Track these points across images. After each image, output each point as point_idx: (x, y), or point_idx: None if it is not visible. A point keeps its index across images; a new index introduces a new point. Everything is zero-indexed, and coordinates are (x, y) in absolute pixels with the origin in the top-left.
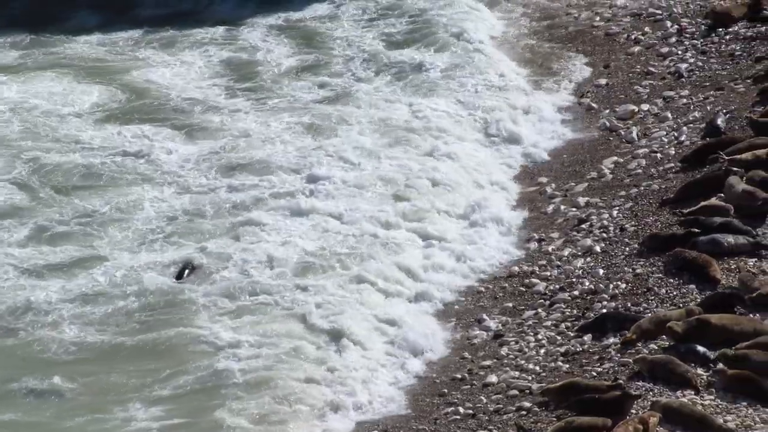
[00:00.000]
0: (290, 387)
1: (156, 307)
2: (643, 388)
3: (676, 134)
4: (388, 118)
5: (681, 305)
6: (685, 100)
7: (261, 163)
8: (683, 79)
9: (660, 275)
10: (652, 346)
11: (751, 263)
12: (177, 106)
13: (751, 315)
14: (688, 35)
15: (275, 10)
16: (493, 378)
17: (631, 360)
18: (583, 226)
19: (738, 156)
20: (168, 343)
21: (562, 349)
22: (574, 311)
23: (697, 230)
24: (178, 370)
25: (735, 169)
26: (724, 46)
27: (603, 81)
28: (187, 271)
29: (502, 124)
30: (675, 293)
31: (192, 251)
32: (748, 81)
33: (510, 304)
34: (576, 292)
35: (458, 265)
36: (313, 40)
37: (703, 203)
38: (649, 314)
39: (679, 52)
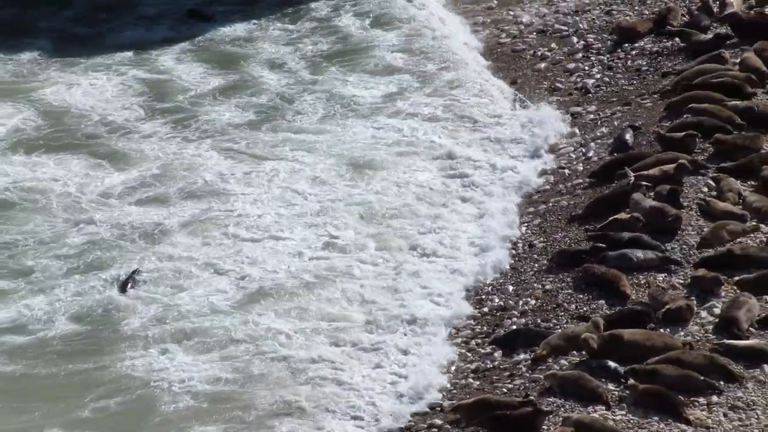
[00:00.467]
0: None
1: (83, 333)
2: (555, 404)
3: (584, 150)
4: (316, 141)
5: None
6: (592, 116)
7: (187, 189)
8: (590, 95)
9: (570, 291)
10: (563, 362)
11: (661, 278)
12: (92, 132)
13: (661, 330)
14: (594, 51)
15: (189, 32)
16: None
17: (542, 376)
18: None
19: (645, 172)
20: (100, 369)
21: (473, 366)
22: (484, 328)
23: (602, 245)
24: (107, 395)
25: (644, 183)
26: (630, 61)
27: None
28: (130, 284)
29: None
30: (585, 309)
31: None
32: (655, 96)
33: None
34: (486, 309)
35: None
36: (233, 61)
37: (613, 218)
38: (559, 330)
39: (586, 68)
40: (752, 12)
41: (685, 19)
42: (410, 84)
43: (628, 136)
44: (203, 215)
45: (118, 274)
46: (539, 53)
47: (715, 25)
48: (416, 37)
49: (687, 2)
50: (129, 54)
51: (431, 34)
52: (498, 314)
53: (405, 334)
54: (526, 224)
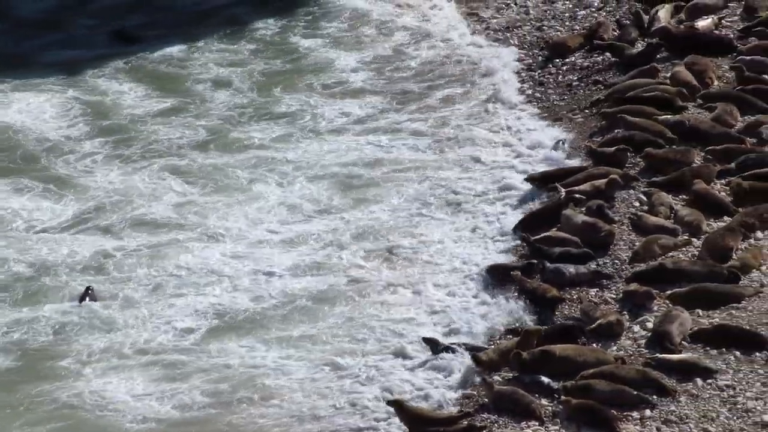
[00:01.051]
0: None
1: (26, 363)
2: (488, 420)
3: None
4: (268, 162)
5: None
6: None
7: (135, 215)
8: None
9: (504, 305)
10: (496, 377)
11: (593, 293)
12: (31, 154)
13: (593, 345)
14: (525, 66)
15: (123, 52)
16: None
17: (475, 391)
18: None
19: (576, 187)
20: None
21: None
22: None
23: (535, 260)
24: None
25: (578, 196)
26: (561, 76)
27: None
28: (88, 296)
29: None
30: (518, 324)
31: None
32: (586, 111)
33: None
34: None
35: None
36: (175, 82)
37: (546, 233)
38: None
39: (517, 83)
40: (682, 26)
41: (615, 33)
42: (367, 102)
43: (560, 151)
44: (154, 241)
45: (67, 295)
46: None
47: (645, 39)
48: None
49: (617, 17)
50: (62, 74)
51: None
52: None
53: (365, 365)
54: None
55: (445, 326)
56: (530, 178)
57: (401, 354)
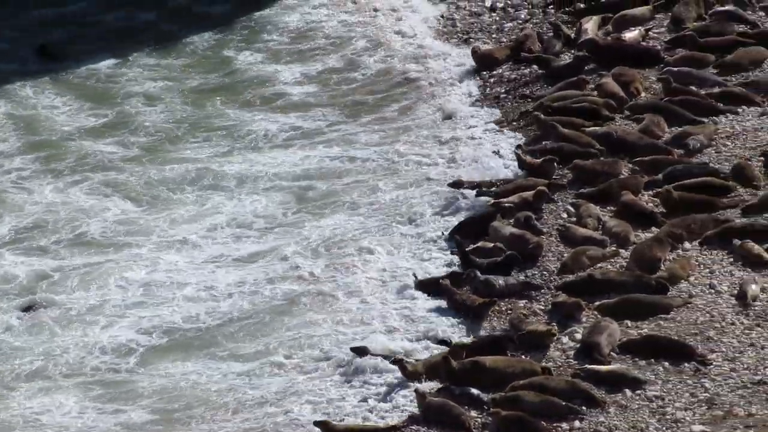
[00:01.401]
0: None
1: None
2: (419, 431)
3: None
4: (201, 177)
5: None
6: None
7: (75, 237)
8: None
9: (436, 316)
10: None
11: (522, 305)
12: None
13: (522, 356)
14: (450, 78)
15: (50, 67)
16: None
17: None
18: None
19: (505, 198)
20: None
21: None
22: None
23: (462, 272)
24: None
25: (507, 204)
26: (489, 88)
27: None
28: (32, 310)
29: None
30: (447, 337)
31: None
32: (514, 123)
33: None
34: None
35: None
36: (107, 97)
37: (477, 244)
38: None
39: (445, 94)
40: (609, 38)
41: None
42: (310, 115)
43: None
44: (93, 260)
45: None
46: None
47: (572, 51)
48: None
49: (544, 28)
50: None
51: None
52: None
53: (306, 378)
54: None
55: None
56: (453, 184)
57: (339, 365)
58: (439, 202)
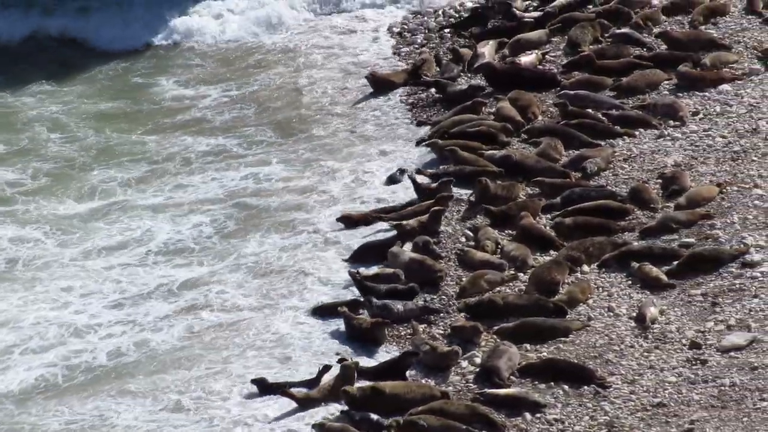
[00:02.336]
0: None
1: None
2: None
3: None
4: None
5: None
6: None
7: None
8: None
9: (335, 342)
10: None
11: (421, 329)
12: None
13: (422, 381)
14: (352, 102)
15: None
16: None
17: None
18: None
19: (403, 222)
20: None
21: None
22: None
23: (361, 298)
24: None
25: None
26: (387, 112)
27: None
28: None
29: None
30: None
31: None
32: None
33: None
34: None
35: None
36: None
37: (376, 270)
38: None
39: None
40: (505, 62)
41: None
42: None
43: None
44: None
45: None
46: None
47: (469, 75)
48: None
49: (441, 52)
50: None
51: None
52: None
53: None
54: None
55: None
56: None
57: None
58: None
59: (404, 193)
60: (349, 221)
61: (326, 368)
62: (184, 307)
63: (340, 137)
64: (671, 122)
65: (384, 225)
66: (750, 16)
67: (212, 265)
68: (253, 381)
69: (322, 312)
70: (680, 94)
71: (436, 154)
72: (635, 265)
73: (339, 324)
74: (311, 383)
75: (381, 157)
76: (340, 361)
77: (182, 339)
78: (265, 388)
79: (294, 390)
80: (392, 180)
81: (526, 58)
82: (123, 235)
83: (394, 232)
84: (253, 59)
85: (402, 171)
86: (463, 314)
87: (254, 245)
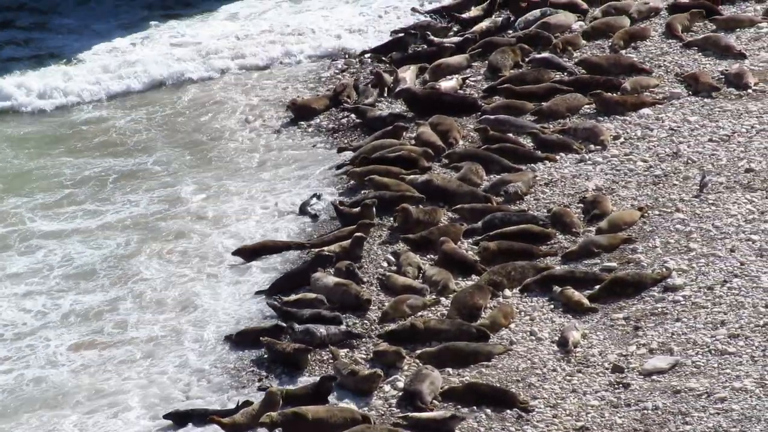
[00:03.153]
0: None
1: None
2: None
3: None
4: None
5: None
6: None
7: None
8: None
9: (254, 369)
10: None
11: (343, 353)
12: None
13: (344, 405)
14: (270, 129)
15: None
16: None
17: None
18: None
19: (324, 248)
20: None
21: None
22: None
23: (283, 323)
24: None
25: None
26: (308, 138)
27: None
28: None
29: None
30: (268, 385)
31: None
32: (331, 170)
33: None
34: None
35: None
36: None
37: (298, 296)
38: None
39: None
40: (426, 87)
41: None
42: None
43: (310, 210)
44: None
45: None
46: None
47: (389, 100)
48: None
49: (361, 77)
50: None
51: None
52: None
53: None
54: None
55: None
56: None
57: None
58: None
59: (315, 221)
60: (244, 254)
61: (246, 403)
62: (84, 339)
63: (257, 163)
64: (592, 146)
65: (293, 253)
66: (670, 41)
67: (111, 292)
68: (166, 416)
69: (243, 338)
70: (601, 119)
71: (354, 181)
72: (557, 289)
73: (258, 351)
74: (229, 415)
75: (300, 182)
76: (261, 388)
77: (80, 371)
78: (180, 418)
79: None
80: (305, 206)
81: (447, 83)
82: (27, 261)
83: (305, 259)
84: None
85: (317, 196)
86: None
87: (159, 272)
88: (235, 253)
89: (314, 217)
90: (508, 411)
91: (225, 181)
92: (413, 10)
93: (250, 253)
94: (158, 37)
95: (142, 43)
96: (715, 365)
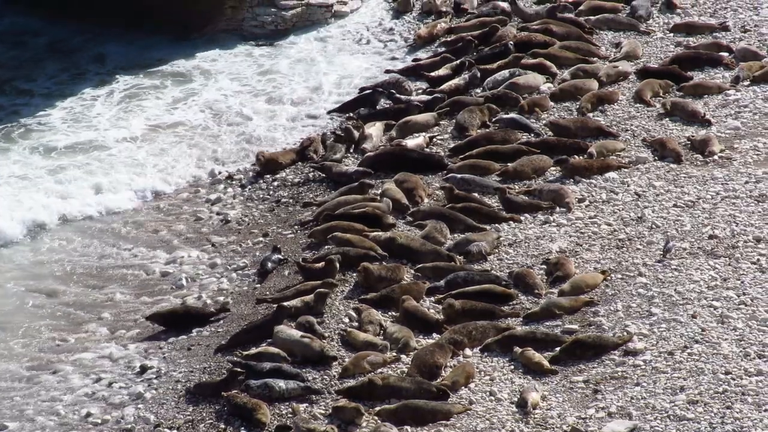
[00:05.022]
0: None
1: None
2: None
3: (226, 279)
4: None
5: None
6: (233, 246)
7: None
8: (229, 225)
9: (212, 421)
10: None
11: (302, 408)
12: None
13: None
14: (236, 182)
15: None
16: None
17: None
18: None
19: (287, 302)
20: None
21: None
22: None
23: (241, 375)
24: None
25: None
26: (271, 192)
27: None
28: None
29: None
30: None
31: None
32: (296, 227)
33: None
34: None
35: None
36: None
37: (259, 349)
38: None
39: (229, 200)
40: (391, 144)
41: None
42: None
43: (270, 265)
44: None
45: None
46: None
47: (356, 156)
48: None
49: (328, 132)
50: None
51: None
52: None
53: None
54: (164, 355)
55: None
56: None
57: None
58: None
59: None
60: (158, 319)
61: None
62: None
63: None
64: (557, 208)
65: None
66: (638, 105)
67: None
68: None
69: (202, 390)
70: (566, 181)
71: (316, 239)
72: (518, 350)
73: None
74: None
75: (262, 238)
76: None
77: None
78: None
79: None
80: (266, 260)
81: (414, 141)
82: None
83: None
84: None
85: (276, 250)
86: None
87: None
88: (148, 318)
89: (271, 271)
90: None
91: (189, 235)
92: (387, 71)
93: (163, 319)
94: None
95: None
96: (674, 431)
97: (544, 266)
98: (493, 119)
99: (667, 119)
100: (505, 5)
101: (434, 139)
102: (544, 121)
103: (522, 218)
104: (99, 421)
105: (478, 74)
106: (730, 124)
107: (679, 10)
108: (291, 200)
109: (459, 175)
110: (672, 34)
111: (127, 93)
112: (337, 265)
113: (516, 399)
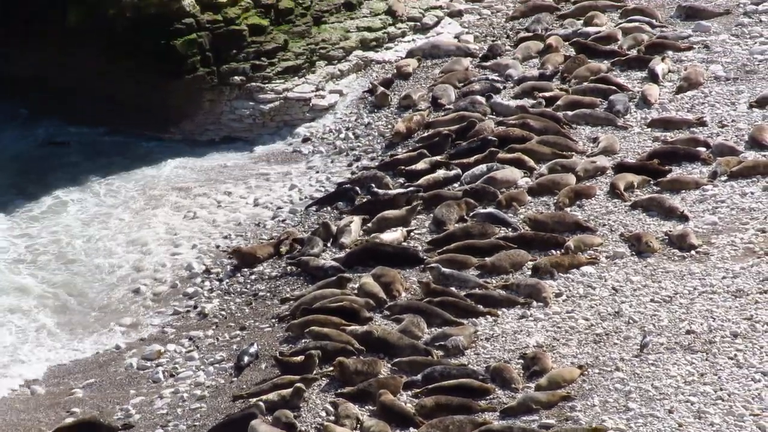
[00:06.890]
0: None
1: None
2: None
3: (203, 373)
4: None
5: None
6: (211, 340)
7: None
8: (207, 319)
9: None
10: None
11: None
12: None
13: None
14: (213, 275)
15: None
16: None
17: None
18: None
19: (264, 396)
20: None
21: None
22: None
23: None
24: None
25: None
26: (249, 285)
27: None
28: None
29: None
30: None
31: None
32: (273, 320)
33: None
34: None
35: None
36: None
37: None
38: None
39: (205, 293)
40: (369, 238)
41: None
42: None
43: (247, 358)
44: None
45: None
46: None
47: (334, 250)
48: None
49: (306, 227)
50: None
51: None
52: None
53: None
54: None
55: None
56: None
57: None
58: None
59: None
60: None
61: None
62: None
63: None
64: (534, 303)
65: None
66: (615, 200)
67: None
68: None
69: None
70: (543, 275)
71: (293, 333)
72: None
73: None
74: None
75: (240, 331)
76: None
77: None
78: None
79: None
80: (243, 354)
81: (391, 235)
82: None
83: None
84: None
85: (252, 344)
86: None
87: None
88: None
89: (248, 365)
90: None
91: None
92: (364, 168)
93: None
94: None
95: None
96: None
97: (521, 361)
98: (471, 213)
99: (645, 214)
100: (482, 99)
101: (412, 233)
102: (521, 216)
103: (499, 312)
104: None
105: (457, 169)
106: (707, 219)
107: (656, 105)
108: (269, 294)
109: (443, 269)
110: (649, 129)
111: None
112: (317, 360)
113: None
